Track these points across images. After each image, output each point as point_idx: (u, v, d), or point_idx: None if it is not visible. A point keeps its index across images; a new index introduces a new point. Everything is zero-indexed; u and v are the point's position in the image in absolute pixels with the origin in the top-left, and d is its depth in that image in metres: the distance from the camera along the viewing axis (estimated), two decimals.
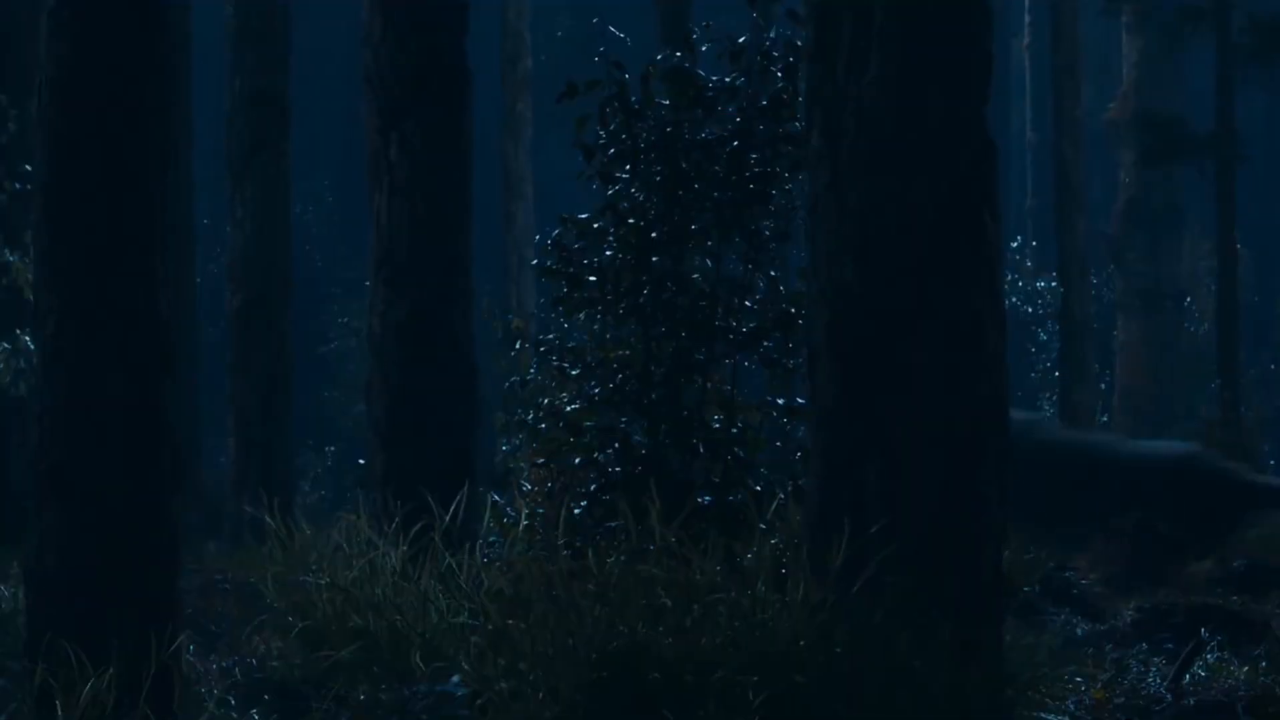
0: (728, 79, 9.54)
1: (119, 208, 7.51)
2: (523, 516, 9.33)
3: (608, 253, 9.52)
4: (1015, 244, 32.23)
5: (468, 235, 11.82)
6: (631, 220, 9.47)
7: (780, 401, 9.48)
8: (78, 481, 7.45)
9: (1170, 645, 10.38)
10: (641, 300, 9.44)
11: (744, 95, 9.52)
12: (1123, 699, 8.16)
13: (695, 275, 9.55)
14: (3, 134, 14.17)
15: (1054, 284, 24.74)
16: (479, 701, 7.34)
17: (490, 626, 7.41)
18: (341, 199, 33.35)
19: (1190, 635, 9.88)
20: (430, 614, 9.02)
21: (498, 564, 8.83)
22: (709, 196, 9.46)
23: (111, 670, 7.05)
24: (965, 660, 6.88)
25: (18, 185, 13.97)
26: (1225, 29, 19.21)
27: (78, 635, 7.26)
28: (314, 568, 9.53)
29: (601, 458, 9.37)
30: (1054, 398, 25.99)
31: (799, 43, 8.66)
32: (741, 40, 9.58)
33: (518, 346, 10.67)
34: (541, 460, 9.56)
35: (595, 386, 9.51)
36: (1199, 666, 8.92)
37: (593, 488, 9.30)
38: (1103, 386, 26.12)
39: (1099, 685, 8.38)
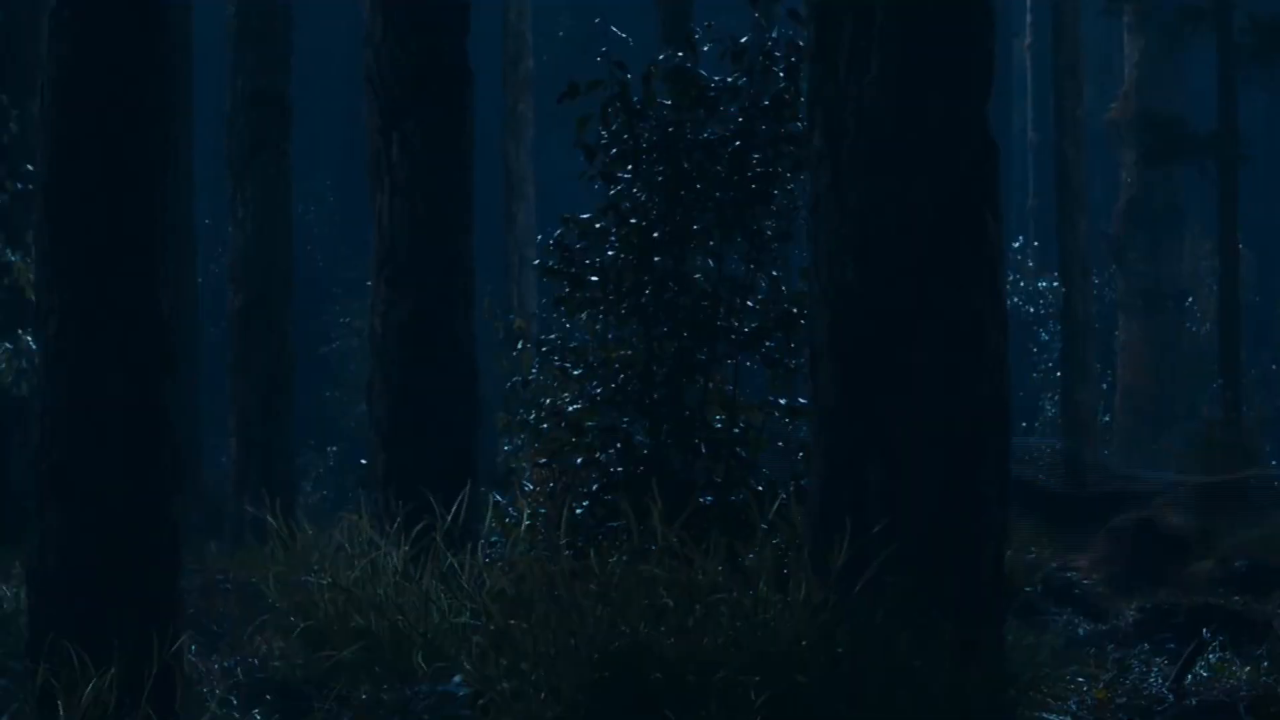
0: (729, 79, 9.54)
1: (119, 208, 7.51)
2: (524, 516, 9.33)
3: (609, 253, 9.52)
4: (1017, 244, 32.24)
5: (469, 235, 11.83)
6: (633, 220, 9.47)
7: (782, 401, 9.48)
8: (79, 481, 7.45)
9: (1172, 645, 10.39)
10: (643, 300, 9.44)
11: (746, 95, 9.52)
12: (1125, 699, 8.16)
13: (697, 275, 9.55)
14: (5, 134, 14.17)
15: (1055, 284, 24.74)
16: (481, 701, 7.34)
17: (492, 626, 7.41)
18: (343, 199, 33.35)
19: (1192, 635, 9.88)
20: (432, 614, 9.03)
21: (499, 564, 8.83)
22: (711, 196, 9.46)
23: (113, 670, 7.06)
24: (966, 660, 6.88)
25: (20, 185, 13.97)
26: (1226, 29, 19.20)
27: (79, 635, 7.26)
28: (316, 568, 9.53)
29: (603, 458, 9.37)
30: (1055, 398, 26.01)
31: (801, 43, 8.67)
32: (743, 40, 9.58)
33: (519, 346, 10.66)
34: (543, 460, 9.56)
35: (597, 386, 9.51)
36: (1201, 666, 8.92)
37: (594, 488, 9.30)
38: (1104, 386, 26.12)
39: (1101, 685, 8.37)
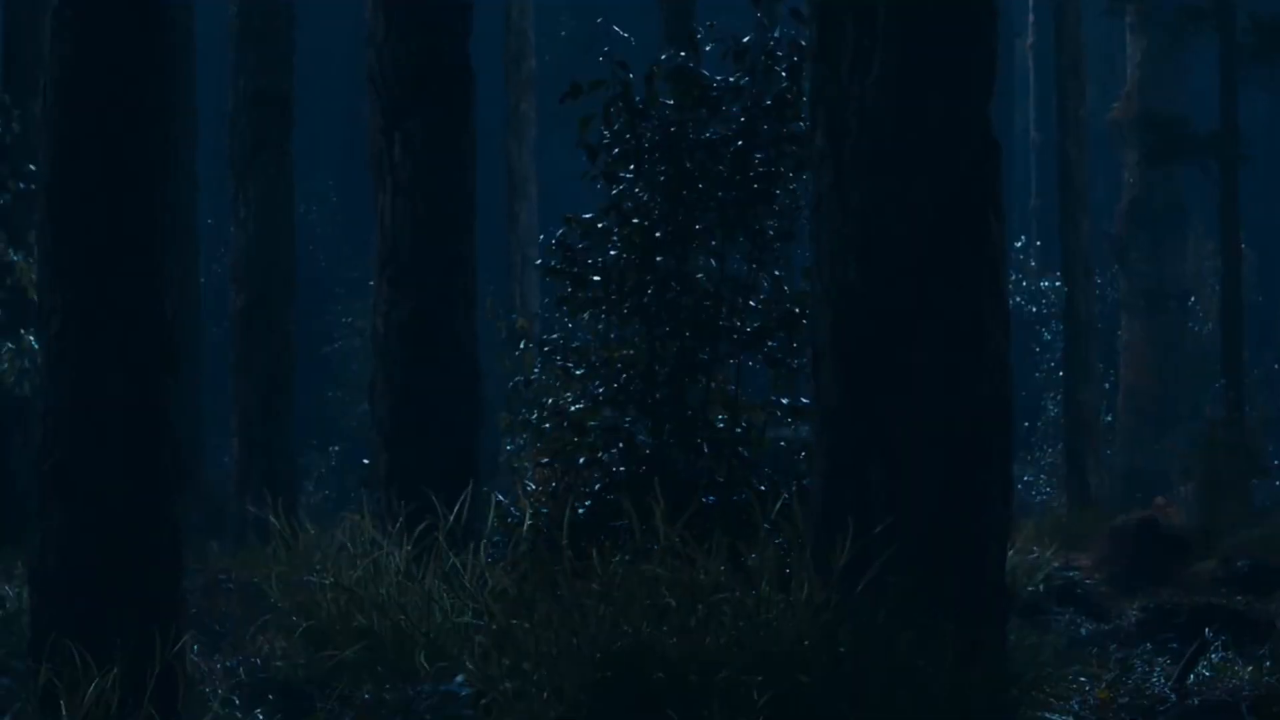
0: (732, 79, 9.54)
1: (121, 208, 7.51)
2: (527, 516, 9.32)
3: (612, 252, 9.52)
4: (1019, 244, 32.26)
5: (471, 235, 11.83)
6: (635, 220, 9.47)
7: (784, 401, 9.48)
8: (81, 481, 7.45)
9: (1175, 645, 10.38)
10: (645, 300, 9.44)
11: (748, 95, 9.51)
12: (1127, 699, 8.15)
13: (699, 275, 9.55)
14: (7, 134, 14.19)
15: (1058, 284, 24.76)
16: (483, 701, 7.34)
17: (494, 626, 7.41)
18: (346, 198, 33.38)
19: (1194, 635, 9.87)
20: (434, 614, 9.02)
21: (502, 564, 8.84)
22: (713, 196, 9.45)
23: (115, 670, 7.04)
24: (969, 660, 6.87)
25: (22, 185, 13.98)
26: (1228, 29, 19.21)
27: (82, 635, 7.26)
28: (318, 567, 9.53)
29: (605, 457, 9.37)
30: (1058, 397, 26.01)
31: (803, 42, 8.66)
32: (746, 40, 9.57)
33: (522, 346, 10.65)
34: (545, 460, 9.56)
35: (599, 386, 9.51)
36: (1203, 666, 8.91)
37: (597, 487, 9.29)
38: (1107, 386, 26.12)
39: (1103, 685, 8.37)
